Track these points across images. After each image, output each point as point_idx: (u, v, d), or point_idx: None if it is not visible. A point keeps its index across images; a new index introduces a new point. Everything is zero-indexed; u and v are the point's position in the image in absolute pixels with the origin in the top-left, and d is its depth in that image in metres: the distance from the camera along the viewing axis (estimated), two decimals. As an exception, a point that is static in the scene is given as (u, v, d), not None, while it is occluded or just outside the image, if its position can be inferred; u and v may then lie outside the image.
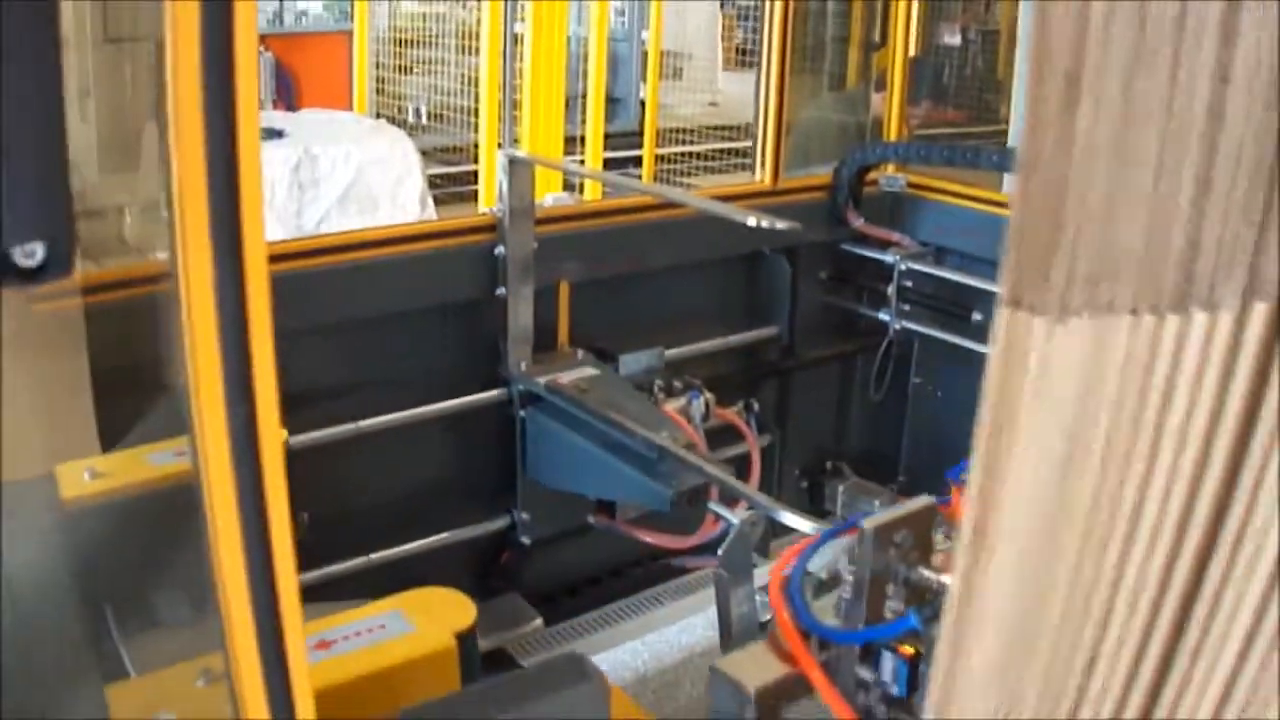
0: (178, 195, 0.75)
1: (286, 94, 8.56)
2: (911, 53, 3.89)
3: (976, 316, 3.27)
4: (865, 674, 1.63)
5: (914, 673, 1.60)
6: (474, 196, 6.63)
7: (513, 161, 2.75)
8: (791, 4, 3.30)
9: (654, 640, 3.19)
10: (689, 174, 8.76)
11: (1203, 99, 0.87)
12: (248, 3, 0.74)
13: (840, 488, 3.56)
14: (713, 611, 3.09)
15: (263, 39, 8.54)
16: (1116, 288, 0.91)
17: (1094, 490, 0.97)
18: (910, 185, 3.56)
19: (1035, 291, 0.94)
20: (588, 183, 6.48)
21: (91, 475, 1.77)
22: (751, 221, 2.23)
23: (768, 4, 3.33)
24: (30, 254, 0.70)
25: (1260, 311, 0.88)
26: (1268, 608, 0.96)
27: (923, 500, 1.65)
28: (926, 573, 1.61)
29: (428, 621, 1.42)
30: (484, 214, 2.88)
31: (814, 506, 3.59)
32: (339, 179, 6.04)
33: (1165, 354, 0.91)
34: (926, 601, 1.58)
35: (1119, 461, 0.95)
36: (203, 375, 0.80)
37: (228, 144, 0.75)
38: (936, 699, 1.08)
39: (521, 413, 2.85)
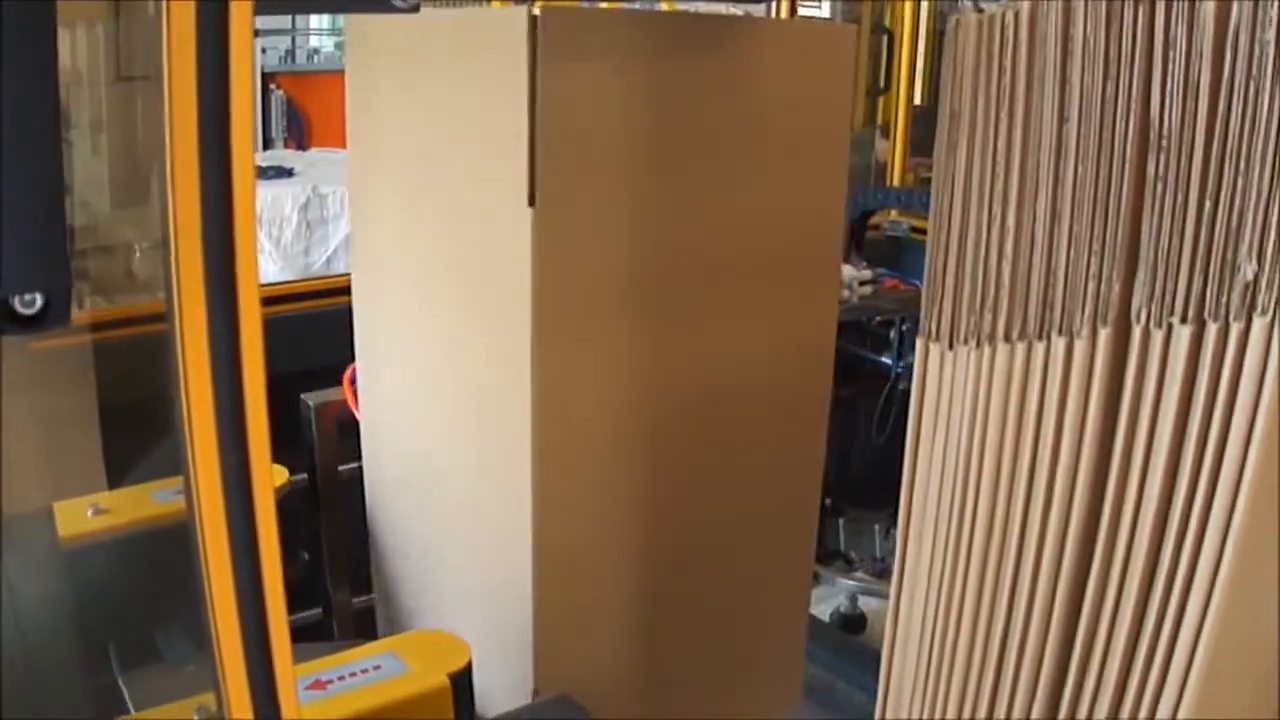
0: (173, 237, 0.77)
1: (298, 132, 8.60)
2: (919, 101, 3.92)
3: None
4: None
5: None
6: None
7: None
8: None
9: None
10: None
11: (1050, 136, 0.92)
12: (243, 46, 0.76)
13: (841, 522, 3.56)
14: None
15: (274, 77, 8.58)
16: (994, 317, 0.96)
17: (989, 507, 1.01)
18: (914, 230, 3.57)
19: (934, 321, 0.99)
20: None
21: (95, 511, 1.78)
22: None
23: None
24: (30, 303, 0.72)
25: (1105, 336, 0.93)
26: (1146, 615, 1.00)
27: None
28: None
29: (422, 662, 1.43)
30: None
31: (819, 548, 3.59)
32: (346, 218, 6.05)
33: (1035, 378, 0.96)
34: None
35: (1006, 480, 0.99)
36: (196, 416, 0.81)
37: (223, 184, 0.77)
38: (880, 700, 1.13)
39: None
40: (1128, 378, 0.96)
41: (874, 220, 3.50)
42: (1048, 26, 0.93)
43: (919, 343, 0.99)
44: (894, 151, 3.81)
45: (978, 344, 0.98)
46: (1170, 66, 0.91)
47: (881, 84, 4.47)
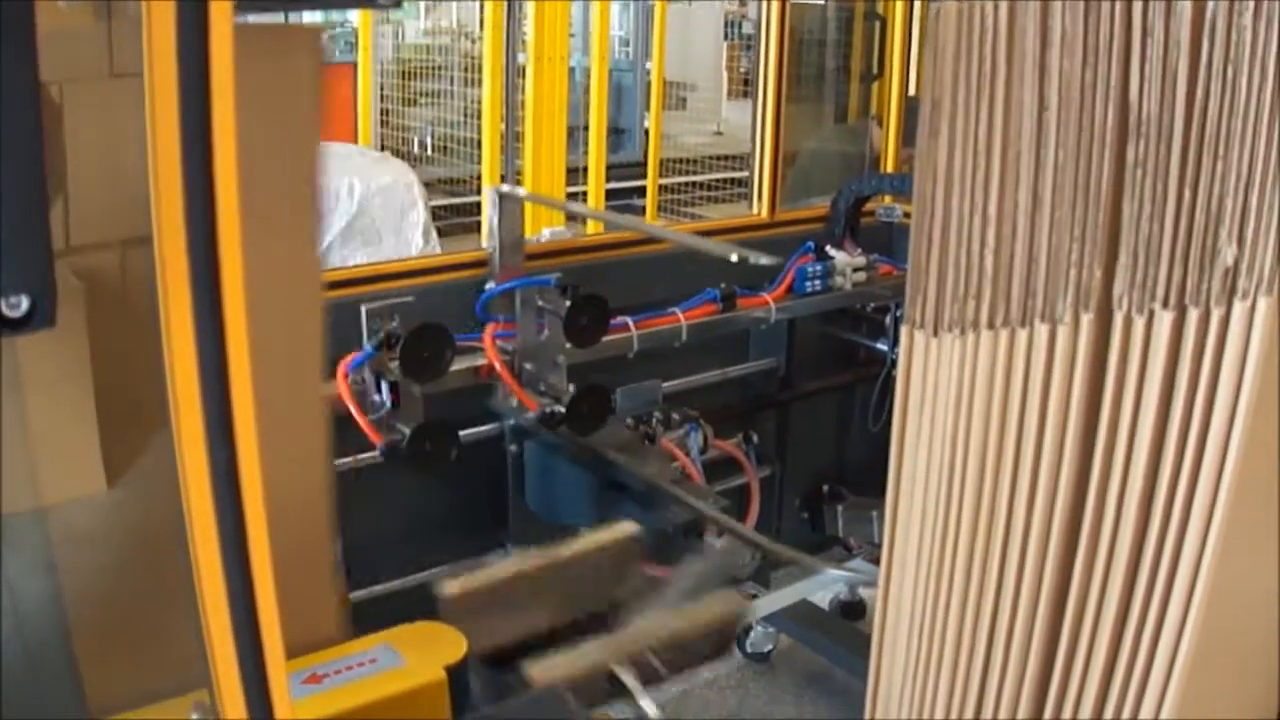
0: (156, 235, 0.77)
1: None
2: (912, 91, 3.92)
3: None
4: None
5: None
6: (478, 228, 6.63)
7: (502, 197, 2.77)
8: (787, 36, 3.32)
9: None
10: (693, 204, 8.74)
11: (1030, 124, 0.93)
12: (224, 45, 0.77)
13: (839, 508, 3.56)
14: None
15: (269, 71, 8.53)
16: (977, 304, 0.96)
17: (975, 493, 1.02)
18: (906, 216, 3.57)
19: (918, 309, 0.99)
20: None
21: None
22: (734, 257, 2.26)
23: (762, 36, 3.36)
24: (15, 305, 0.73)
25: (1087, 322, 0.93)
26: (1132, 601, 1.00)
27: None
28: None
29: (418, 655, 1.44)
30: (475, 250, 2.90)
31: (815, 533, 3.59)
32: (342, 211, 6.03)
33: (1019, 365, 0.97)
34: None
35: (992, 466, 1.00)
36: (183, 414, 0.82)
37: (205, 182, 0.77)
38: (870, 691, 1.13)
39: (513, 447, 2.86)
40: (1110, 363, 0.97)
41: (868, 206, 3.49)
42: (1026, 15, 0.93)
43: (904, 330, 1.00)
44: (888, 138, 3.81)
45: (962, 331, 0.98)
46: (1148, 54, 0.91)
47: (875, 71, 4.47)
